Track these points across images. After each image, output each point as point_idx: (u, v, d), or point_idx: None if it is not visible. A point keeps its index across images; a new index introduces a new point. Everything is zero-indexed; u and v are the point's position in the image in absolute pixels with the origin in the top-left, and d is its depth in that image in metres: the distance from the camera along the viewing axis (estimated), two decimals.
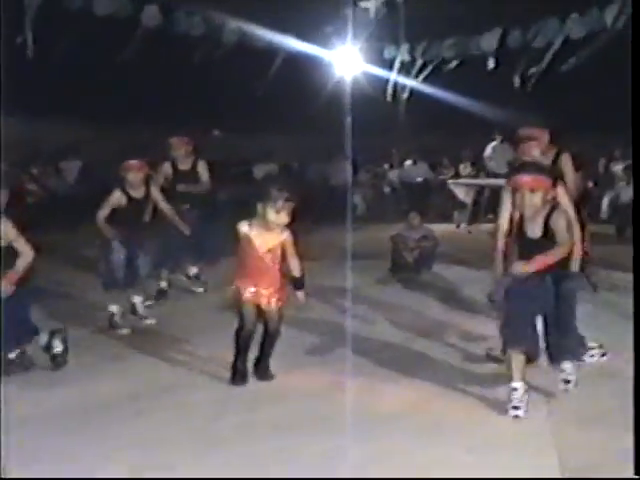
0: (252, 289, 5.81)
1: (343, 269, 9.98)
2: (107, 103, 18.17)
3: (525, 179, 5.31)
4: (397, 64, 14.88)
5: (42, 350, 6.24)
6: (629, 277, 9.66)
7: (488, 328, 6.95)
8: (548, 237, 5.24)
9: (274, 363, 6.02)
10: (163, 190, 8.96)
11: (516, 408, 5.17)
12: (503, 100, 15.81)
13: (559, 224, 5.22)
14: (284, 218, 5.73)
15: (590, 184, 17.77)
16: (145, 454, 4.62)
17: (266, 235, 5.78)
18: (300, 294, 6.00)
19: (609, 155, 17.90)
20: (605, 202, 16.84)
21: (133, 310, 7.86)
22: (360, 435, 4.75)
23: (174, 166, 9.14)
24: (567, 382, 5.56)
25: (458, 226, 15.94)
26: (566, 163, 7.32)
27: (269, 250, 5.79)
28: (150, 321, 7.79)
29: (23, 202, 15.09)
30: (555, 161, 7.27)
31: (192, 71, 16.39)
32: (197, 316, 8.05)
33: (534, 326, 5.37)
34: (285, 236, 5.83)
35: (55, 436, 4.88)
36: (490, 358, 6.33)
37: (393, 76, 15.08)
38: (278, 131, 19.81)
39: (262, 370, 5.97)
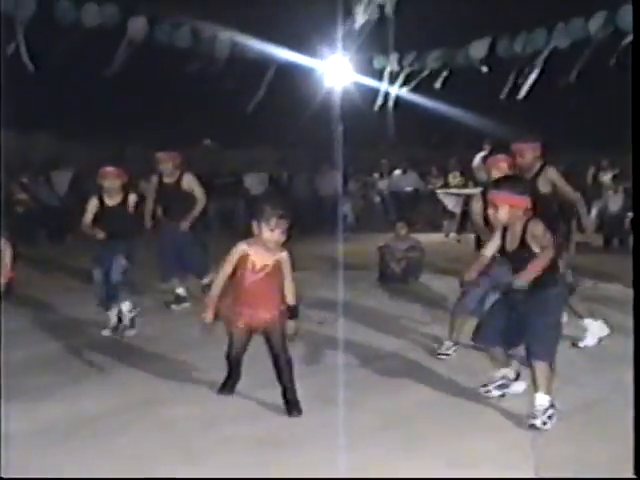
0: (244, 310, 5.65)
1: (332, 280, 10.07)
2: (98, 115, 18.21)
3: (491, 195, 5.52)
4: (386, 74, 14.93)
5: None
6: (615, 287, 9.89)
7: None
8: (524, 248, 5.34)
9: (261, 377, 5.94)
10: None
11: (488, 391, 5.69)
12: (492, 110, 15.90)
13: (536, 231, 5.31)
14: (279, 236, 5.60)
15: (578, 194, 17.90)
16: (128, 468, 4.62)
17: (263, 254, 5.64)
18: (291, 324, 5.70)
19: (597, 165, 17.97)
20: (593, 212, 16.91)
21: (119, 321, 7.90)
22: (344, 448, 4.79)
23: (160, 180, 9.17)
24: (534, 417, 5.27)
25: (447, 235, 16.04)
26: (552, 175, 7.41)
27: (263, 268, 5.64)
28: (130, 332, 7.82)
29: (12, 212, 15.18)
30: (539, 174, 7.37)
31: (183, 83, 16.44)
32: (183, 330, 8.04)
33: (507, 330, 5.51)
34: (282, 255, 5.68)
35: (39, 450, 4.88)
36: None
37: (383, 86, 15.15)
38: (268, 142, 19.90)
39: (289, 403, 5.61)
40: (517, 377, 5.80)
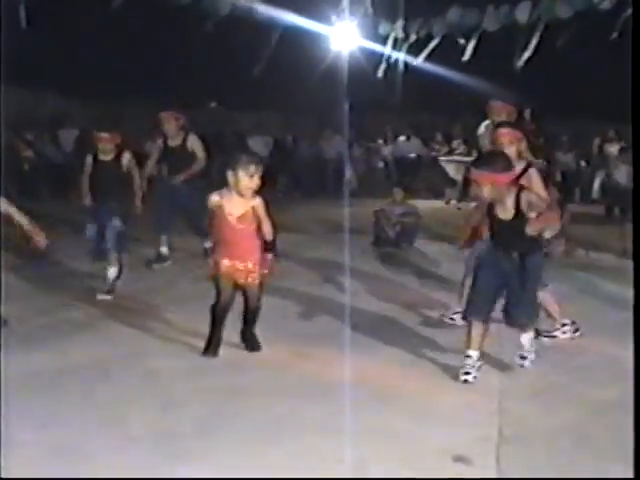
0: (227, 262, 5.82)
1: (331, 242, 10.23)
2: (105, 75, 18.26)
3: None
4: (390, 40, 14.93)
5: None
6: (606, 257, 9.99)
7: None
8: (519, 218, 5.41)
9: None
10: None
11: (467, 373, 5.45)
12: (499, 78, 15.88)
13: (532, 199, 5.42)
14: (257, 181, 5.75)
15: (583, 164, 17.94)
16: (109, 414, 4.79)
17: (238, 202, 5.78)
18: (268, 256, 6.04)
19: (603, 136, 17.95)
20: (597, 182, 16.97)
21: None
22: (311, 400, 5.00)
23: (165, 143, 9.26)
24: (523, 358, 5.75)
25: (447, 202, 16.10)
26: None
27: (241, 217, 5.79)
28: (105, 297, 7.68)
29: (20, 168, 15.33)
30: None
31: (189, 44, 16.45)
32: (174, 286, 8.17)
33: (495, 299, 5.62)
34: (257, 201, 5.84)
35: (27, 395, 5.03)
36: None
37: (387, 50, 15.15)
38: (273, 105, 19.95)
39: (250, 341, 6.02)
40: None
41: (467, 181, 16.03)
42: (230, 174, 5.74)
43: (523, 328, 5.73)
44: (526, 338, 5.74)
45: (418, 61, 15.08)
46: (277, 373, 5.58)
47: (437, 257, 9.80)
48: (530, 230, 5.32)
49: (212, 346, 5.89)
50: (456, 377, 5.44)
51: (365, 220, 11.59)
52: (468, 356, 5.49)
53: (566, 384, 5.44)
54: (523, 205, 5.41)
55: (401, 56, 16.08)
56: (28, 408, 4.82)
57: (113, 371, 5.56)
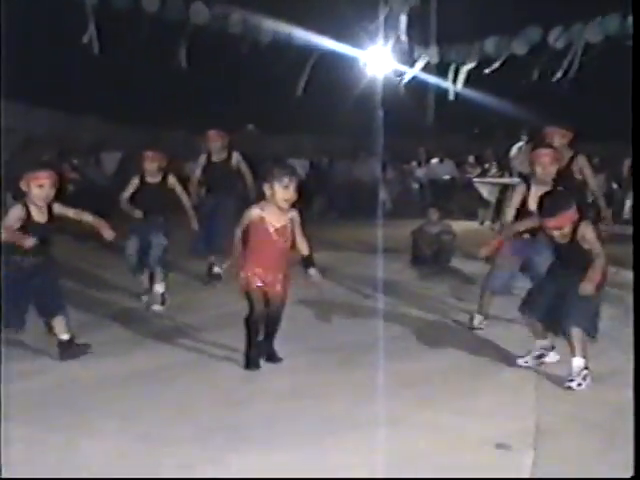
0: (260, 272, 6.00)
1: (369, 260, 10.60)
2: (147, 100, 18.79)
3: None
4: (420, 63, 15.42)
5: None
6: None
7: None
8: (574, 244, 5.83)
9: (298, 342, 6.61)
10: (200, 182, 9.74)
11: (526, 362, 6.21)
12: (531, 101, 16.22)
13: (588, 235, 5.80)
14: (292, 193, 5.94)
15: (615, 186, 18.17)
16: (174, 414, 5.24)
17: (277, 214, 6.00)
18: (313, 271, 6.20)
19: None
20: (628, 203, 17.19)
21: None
22: (360, 401, 5.42)
23: (209, 158, 9.70)
24: (570, 380, 5.80)
25: (482, 223, 16.40)
26: (583, 165, 7.91)
27: (280, 229, 6.01)
28: (159, 308, 8.23)
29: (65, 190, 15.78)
30: (570, 164, 7.83)
31: (227, 70, 16.93)
32: (224, 302, 8.34)
33: (551, 309, 6.03)
34: (293, 214, 6.08)
35: (101, 396, 5.52)
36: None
37: (410, 72, 15.68)
38: (309, 129, 20.37)
39: (270, 353, 6.21)
40: (552, 348, 6.25)
41: (500, 202, 16.36)
42: (266, 187, 5.98)
43: (574, 324, 5.83)
44: (577, 361, 5.83)
45: (450, 85, 15.54)
46: (327, 377, 5.98)
47: (473, 274, 10.14)
48: (585, 292, 5.61)
49: (253, 361, 6.08)
50: (495, 375, 6.00)
51: (400, 240, 11.95)
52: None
53: (591, 387, 5.78)
54: (579, 235, 5.80)
55: (433, 79, 16.57)
56: (102, 406, 5.30)
57: (177, 375, 5.99)
